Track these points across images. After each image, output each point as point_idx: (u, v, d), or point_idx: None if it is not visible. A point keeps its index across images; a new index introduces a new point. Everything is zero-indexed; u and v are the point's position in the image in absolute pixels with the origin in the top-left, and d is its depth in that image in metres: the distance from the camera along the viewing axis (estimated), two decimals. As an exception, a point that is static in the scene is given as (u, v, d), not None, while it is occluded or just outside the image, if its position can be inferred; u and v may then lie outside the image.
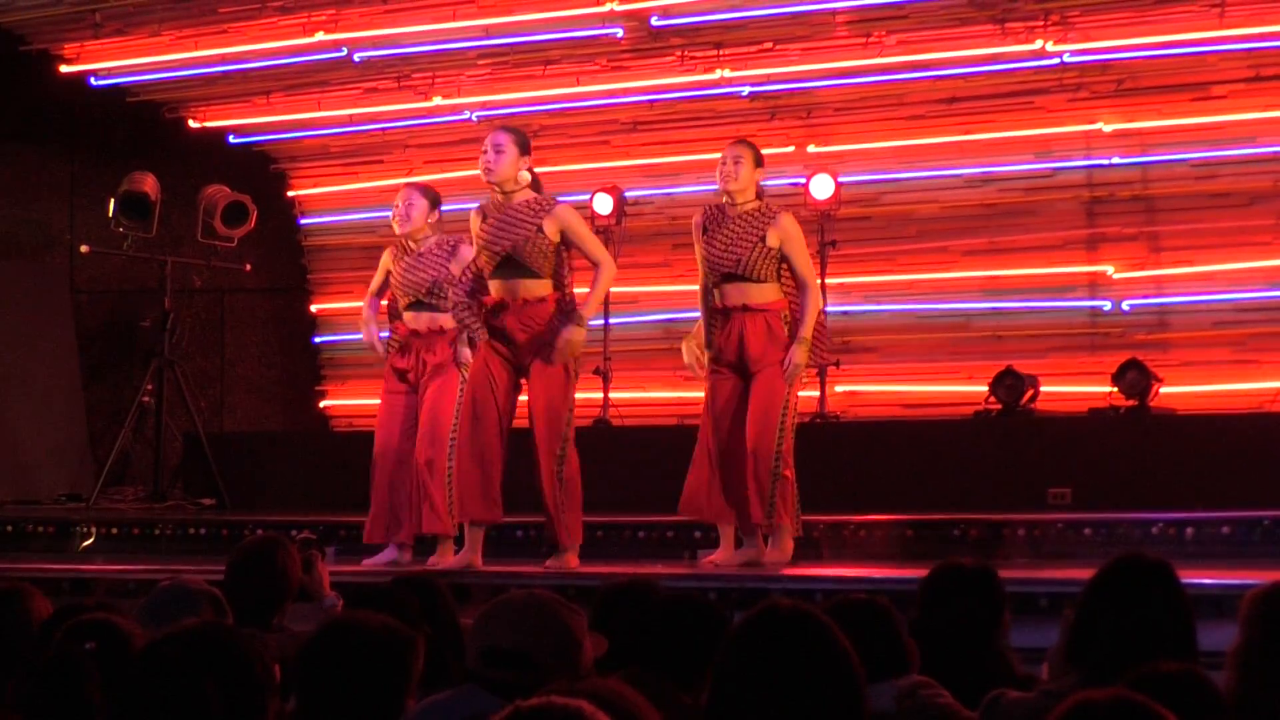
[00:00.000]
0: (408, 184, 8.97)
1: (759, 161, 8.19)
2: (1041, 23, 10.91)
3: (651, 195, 12.24)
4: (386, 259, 8.70)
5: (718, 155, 8.23)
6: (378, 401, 8.83)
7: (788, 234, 8.03)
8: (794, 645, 2.93)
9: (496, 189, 8.05)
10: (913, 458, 10.07)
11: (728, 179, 8.09)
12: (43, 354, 13.16)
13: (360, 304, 9.03)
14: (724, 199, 8.14)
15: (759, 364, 8.02)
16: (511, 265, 8.01)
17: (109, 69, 12.69)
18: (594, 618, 4.36)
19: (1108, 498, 9.39)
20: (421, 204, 8.62)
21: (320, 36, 12.14)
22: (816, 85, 11.67)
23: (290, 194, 13.42)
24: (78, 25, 12.42)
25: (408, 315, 8.62)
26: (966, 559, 4.82)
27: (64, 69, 12.69)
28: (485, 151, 8.08)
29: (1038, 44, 10.92)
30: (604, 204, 11.36)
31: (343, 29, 12.13)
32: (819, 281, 8.20)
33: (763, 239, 7.99)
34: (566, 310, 8.03)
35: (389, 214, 8.69)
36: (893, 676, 4.05)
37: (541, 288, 8.04)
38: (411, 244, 8.59)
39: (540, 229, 7.97)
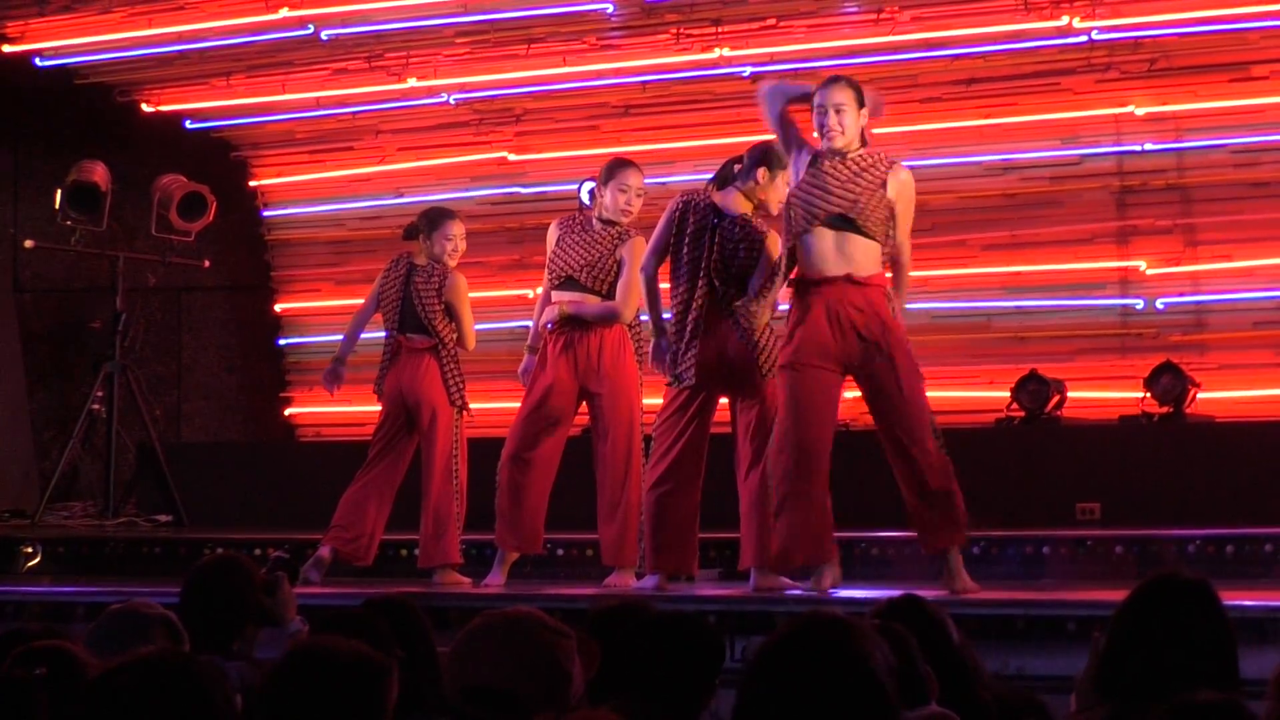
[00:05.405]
0: None
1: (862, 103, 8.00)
2: (1068, -3, 10.94)
3: (645, 185, 12.19)
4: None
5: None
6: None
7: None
8: (831, 658, 2.91)
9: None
10: (928, 469, 10.05)
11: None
12: (-18, 359, 13.16)
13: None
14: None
15: None
16: None
17: (55, 49, 12.66)
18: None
19: (1140, 513, 9.40)
20: None
21: (285, 13, 12.12)
22: (823, 65, 11.65)
23: (252, 184, 13.38)
24: (21, 1, 12.41)
25: None
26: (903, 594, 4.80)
27: (6, 49, 12.66)
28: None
29: (1063, 20, 10.93)
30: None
31: (309, 4, 12.11)
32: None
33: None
34: None
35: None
36: (908, 707, 4.05)
37: None
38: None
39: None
